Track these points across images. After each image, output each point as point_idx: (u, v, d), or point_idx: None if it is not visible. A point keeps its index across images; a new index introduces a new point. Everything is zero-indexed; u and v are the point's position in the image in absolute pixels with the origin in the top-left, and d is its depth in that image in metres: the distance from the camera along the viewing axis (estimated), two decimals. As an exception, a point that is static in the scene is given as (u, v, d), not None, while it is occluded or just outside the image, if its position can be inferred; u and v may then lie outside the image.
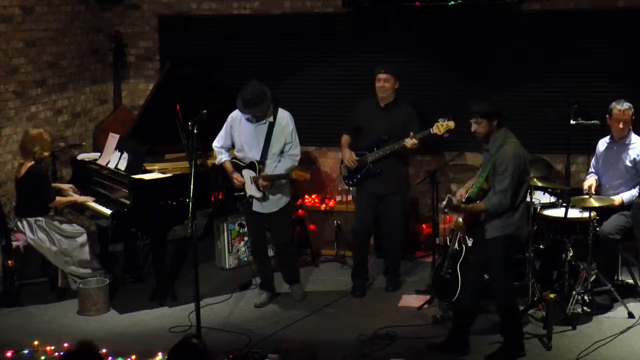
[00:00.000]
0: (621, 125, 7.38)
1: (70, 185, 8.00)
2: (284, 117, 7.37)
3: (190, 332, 6.75)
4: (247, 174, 7.38)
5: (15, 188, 7.74)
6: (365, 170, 7.78)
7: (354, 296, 7.80)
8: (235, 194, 7.50)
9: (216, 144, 7.52)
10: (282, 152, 7.36)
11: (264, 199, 7.39)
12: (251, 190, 7.38)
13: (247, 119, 7.33)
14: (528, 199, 7.08)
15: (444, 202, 6.32)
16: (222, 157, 7.51)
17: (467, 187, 6.46)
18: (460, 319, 6.57)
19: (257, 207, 7.46)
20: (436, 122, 7.49)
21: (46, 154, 7.66)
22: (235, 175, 7.40)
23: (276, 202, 7.44)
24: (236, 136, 7.43)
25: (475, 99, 6.58)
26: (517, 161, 6.14)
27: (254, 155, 7.34)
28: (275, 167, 7.34)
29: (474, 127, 6.28)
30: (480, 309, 6.77)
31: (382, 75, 7.69)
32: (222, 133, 7.49)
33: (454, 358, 6.46)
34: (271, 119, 7.31)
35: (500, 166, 6.12)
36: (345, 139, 7.95)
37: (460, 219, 6.35)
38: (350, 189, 8.34)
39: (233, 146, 7.51)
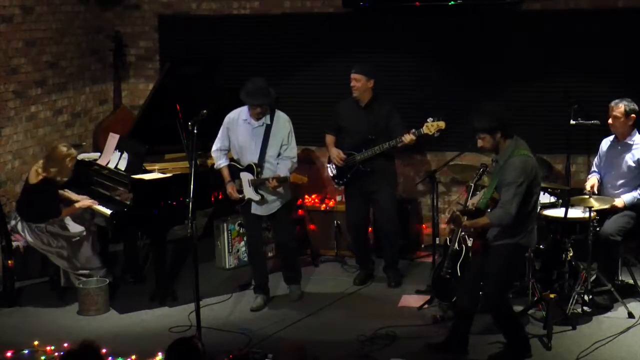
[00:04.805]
0: (610, 121, 7.39)
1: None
2: (281, 119, 7.34)
3: (190, 332, 6.75)
4: (245, 176, 7.35)
5: (22, 190, 7.69)
6: (354, 170, 7.82)
7: (354, 284, 7.99)
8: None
9: (214, 147, 7.47)
10: (279, 154, 7.33)
11: (261, 202, 7.35)
12: (249, 193, 7.35)
13: (245, 120, 7.31)
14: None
15: (451, 216, 6.24)
16: (220, 162, 7.47)
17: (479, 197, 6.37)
18: (458, 319, 6.55)
19: (255, 209, 7.42)
20: (426, 123, 7.51)
21: (60, 179, 7.54)
22: (230, 188, 7.37)
23: (274, 204, 7.40)
24: (233, 138, 7.39)
25: (477, 114, 6.26)
26: (524, 173, 6.01)
27: (251, 157, 7.30)
28: (272, 169, 7.29)
29: (479, 144, 6.17)
30: (477, 309, 6.74)
31: (352, 75, 7.76)
32: (219, 135, 7.45)
33: (455, 358, 6.46)
34: (268, 120, 7.28)
35: (507, 179, 6.03)
36: (330, 138, 8.03)
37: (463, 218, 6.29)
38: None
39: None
